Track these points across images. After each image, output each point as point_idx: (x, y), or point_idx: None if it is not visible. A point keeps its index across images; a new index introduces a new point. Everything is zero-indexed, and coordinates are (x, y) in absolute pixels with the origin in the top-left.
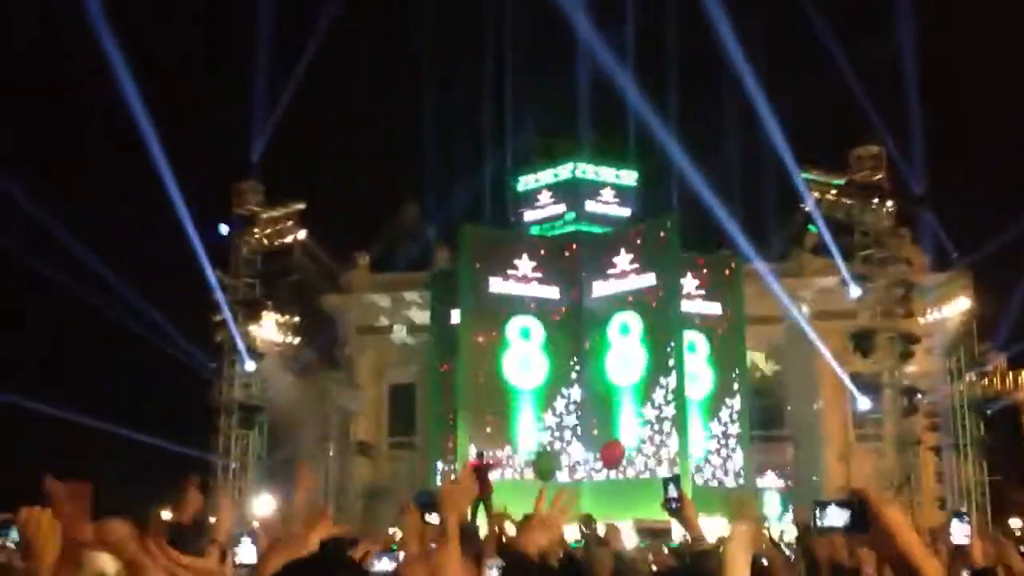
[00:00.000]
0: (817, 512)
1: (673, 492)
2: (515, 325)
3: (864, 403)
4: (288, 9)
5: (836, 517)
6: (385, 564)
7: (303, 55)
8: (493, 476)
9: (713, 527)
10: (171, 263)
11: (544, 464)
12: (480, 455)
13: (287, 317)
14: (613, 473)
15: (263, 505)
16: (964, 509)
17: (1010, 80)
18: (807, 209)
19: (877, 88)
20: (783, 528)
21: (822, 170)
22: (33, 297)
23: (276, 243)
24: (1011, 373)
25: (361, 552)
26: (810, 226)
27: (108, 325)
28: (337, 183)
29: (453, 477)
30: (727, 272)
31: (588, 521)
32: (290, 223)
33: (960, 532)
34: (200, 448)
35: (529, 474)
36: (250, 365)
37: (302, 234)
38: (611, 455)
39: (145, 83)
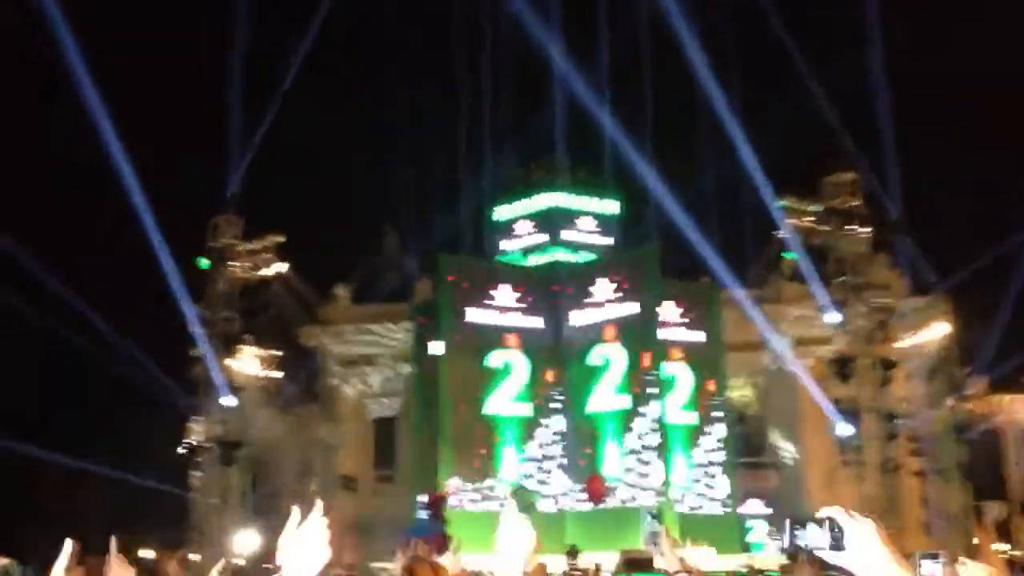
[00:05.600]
0: (796, 530)
1: (655, 527)
2: (496, 356)
3: (845, 429)
4: (263, 42)
5: (816, 537)
6: None
7: (279, 88)
8: (476, 508)
9: (699, 555)
10: (149, 299)
11: (523, 497)
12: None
13: (267, 351)
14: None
15: (246, 542)
16: (936, 551)
17: (986, 103)
18: (784, 236)
19: (852, 114)
20: (768, 556)
21: (798, 197)
22: (6, 334)
23: (255, 276)
24: (992, 397)
25: None
26: (787, 253)
27: (86, 362)
28: (316, 215)
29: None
30: (707, 300)
31: (574, 552)
32: (268, 256)
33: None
34: (180, 486)
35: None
36: (228, 400)
37: (281, 267)
38: (595, 490)
39: (120, 121)
